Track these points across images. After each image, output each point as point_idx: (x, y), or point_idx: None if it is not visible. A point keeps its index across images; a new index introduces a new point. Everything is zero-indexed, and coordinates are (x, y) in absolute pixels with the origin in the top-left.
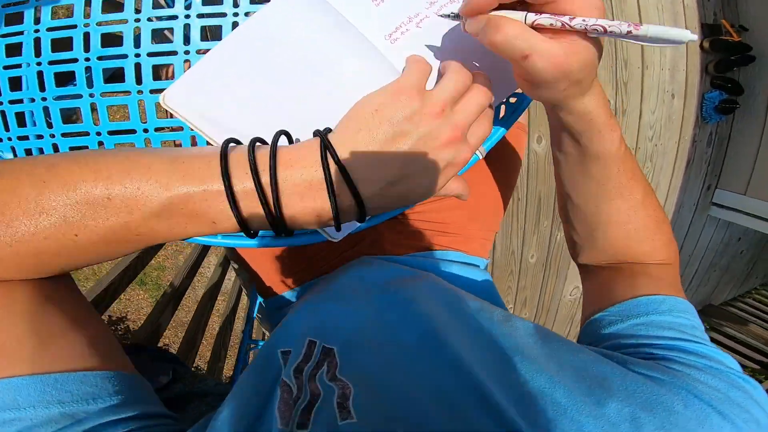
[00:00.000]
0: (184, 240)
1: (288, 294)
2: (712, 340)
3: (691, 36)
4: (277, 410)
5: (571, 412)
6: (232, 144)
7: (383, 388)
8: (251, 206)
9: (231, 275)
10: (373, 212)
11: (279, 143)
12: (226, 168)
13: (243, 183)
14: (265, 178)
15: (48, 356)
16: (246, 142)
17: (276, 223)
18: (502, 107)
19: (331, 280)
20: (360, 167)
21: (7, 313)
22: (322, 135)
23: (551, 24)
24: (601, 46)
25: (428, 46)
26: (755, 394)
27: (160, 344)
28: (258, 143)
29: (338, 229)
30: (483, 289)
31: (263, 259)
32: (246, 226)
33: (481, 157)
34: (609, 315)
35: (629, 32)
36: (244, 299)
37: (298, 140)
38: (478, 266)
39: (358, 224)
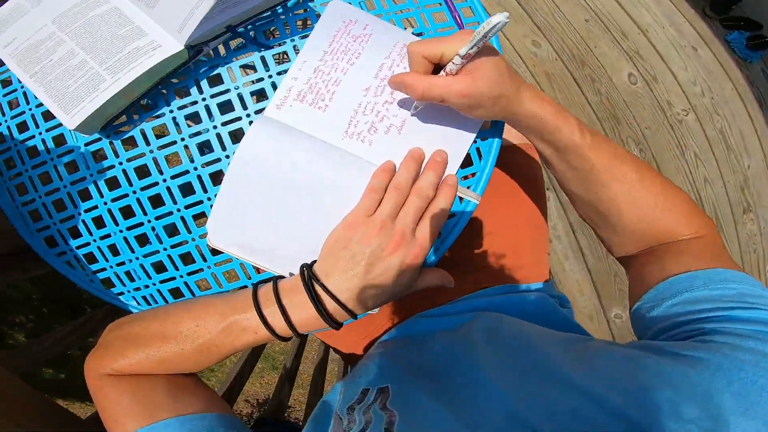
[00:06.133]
0: (246, 348)
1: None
2: None
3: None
4: None
5: None
6: (261, 284)
7: (425, 417)
8: (275, 320)
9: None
10: (357, 310)
11: (291, 276)
12: (256, 300)
13: (268, 308)
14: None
15: (181, 405)
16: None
17: (292, 329)
18: (459, 163)
19: (386, 343)
20: (335, 282)
21: (154, 384)
22: (308, 267)
23: (450, 71)
24: (498, 65)
25: (395, 129)
26: None
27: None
28: (279, 279)
29: (338, 327)
30: (539, 314)
31: (337, 335)
32: (275, 333)
33: (477, 202)
34: (645, 303)
35: (486, 32)
36: None
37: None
38: (535, 291)
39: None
